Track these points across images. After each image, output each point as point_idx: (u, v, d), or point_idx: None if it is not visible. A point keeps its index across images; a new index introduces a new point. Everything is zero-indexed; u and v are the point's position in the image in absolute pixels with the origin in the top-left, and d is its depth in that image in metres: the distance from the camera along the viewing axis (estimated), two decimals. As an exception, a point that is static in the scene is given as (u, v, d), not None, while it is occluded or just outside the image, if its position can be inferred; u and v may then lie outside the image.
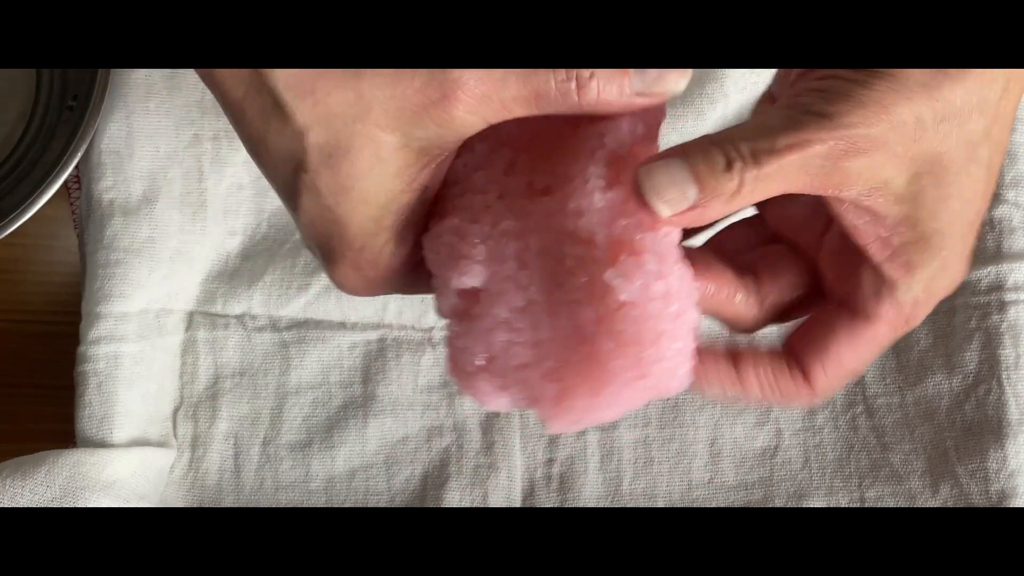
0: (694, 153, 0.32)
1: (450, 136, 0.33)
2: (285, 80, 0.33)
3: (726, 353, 0.37)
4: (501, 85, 0.32)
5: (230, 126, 0.57)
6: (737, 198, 0.32)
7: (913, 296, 0.34)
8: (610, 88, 0.33)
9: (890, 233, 0.34)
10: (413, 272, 0.37)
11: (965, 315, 0.54)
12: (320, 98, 0.33)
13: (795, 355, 0.37)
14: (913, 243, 0.34)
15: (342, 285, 0.37)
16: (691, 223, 0.33)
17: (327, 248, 0.36)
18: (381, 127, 0.33)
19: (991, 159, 0.34)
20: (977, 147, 0.33)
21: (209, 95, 0.57)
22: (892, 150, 0.32)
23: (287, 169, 0.34)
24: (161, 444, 0.55)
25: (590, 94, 0.33)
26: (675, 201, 0.32)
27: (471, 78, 0.32)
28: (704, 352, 0.36)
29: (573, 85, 0.33)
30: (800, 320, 0.38)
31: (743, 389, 0.37)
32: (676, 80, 0.34)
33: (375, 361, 0.57)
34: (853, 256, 0.35)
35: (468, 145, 0.35)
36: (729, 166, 0.32)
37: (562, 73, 0.32)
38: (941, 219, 0.33)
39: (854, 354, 0.36)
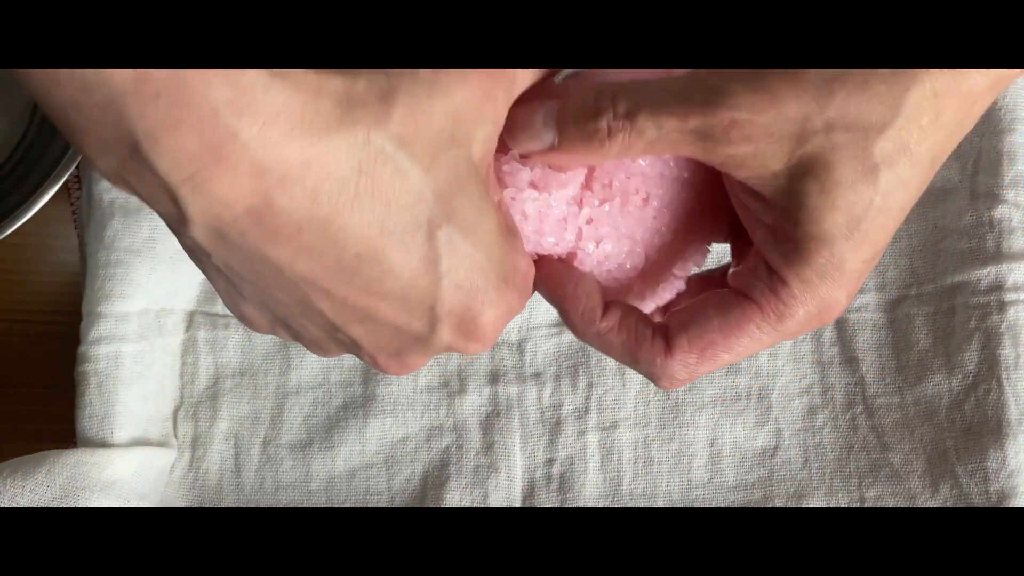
0: (566, 103, 0.34)
1: (495, 130, 0.34)
2: (397, 129, 0.30)
3: (599, 289, 0.37)
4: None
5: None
6: (606, 151, 0.33)
7: (788, 291, 0.34)
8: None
9: (773, 223, 0.34)
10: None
11: (965, 315, 0.54)
12: (424, 134, 0.30)
13: (666, 325, 0.36)
14: (792, 240, 0.33)
15: (491, 335, 0.34)
16: (555, 162, 0.35)
17: (478, 302, 0.33)
18: (464, 143, 0.32)
19: (896, 190, 0.33)
20: (878, 172, 0.32)
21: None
22: (779, 143, 0.32)
23: (418, 239, 0.31)
24: (161, 444, 0.55)
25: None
26: (532, 143, 0.34)
27: (522, 76, 0.33)
28: (578, 273, 0.37)
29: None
30: None
31: (602, 328, 0.37)
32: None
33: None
34: (743, 234, 0.35)
35: None
36: (597, 117, 0.33)
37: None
38: (822, 226, 0.33)
39: (720, 331, 0.35)
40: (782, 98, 0.31)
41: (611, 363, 0.57)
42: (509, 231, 0.35)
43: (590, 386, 0.57)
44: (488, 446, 0.56)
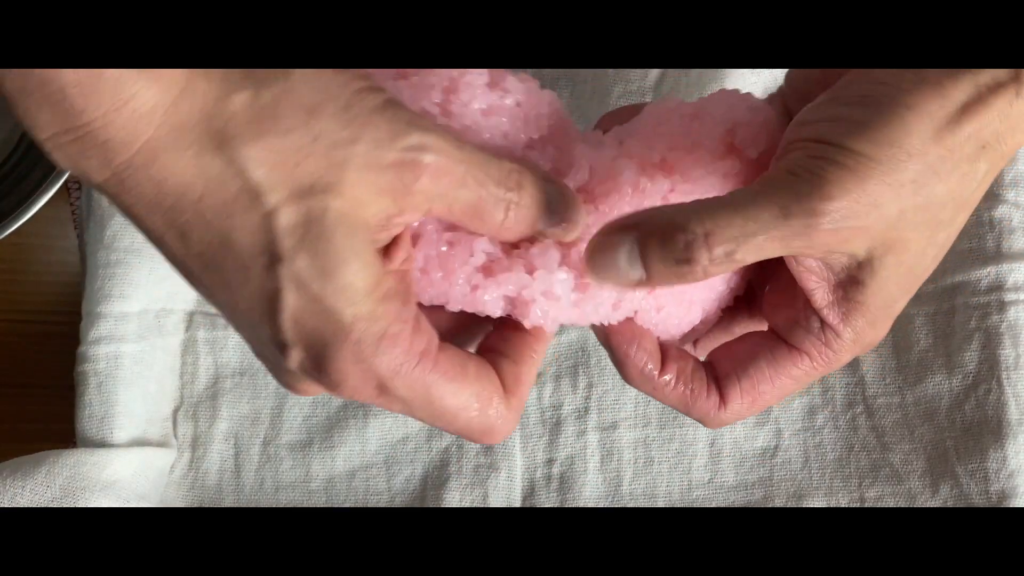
0: (649, 238, 0.33)
1: (404, 218, 0.33)
2: (256, 155, 0.30)
3: (657, 342, 0.38)
4: (457, 184, 0.33)
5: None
6: (699, 278, 0.33)
7: (840, 343, 0.36)
8: (521, 220, 0.34)
9: (837, 286, 0.35)
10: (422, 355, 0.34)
11: (965, 315, 0.54)
12: (290, 171, 0.30)
13: (715, 372, 0.38)
14: (856, 302, 0.35)
15: (344, 384, 0.33)
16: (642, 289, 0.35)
17: (320, 345, 0.32)
18: (352, 200, 0.31)
19: (946, 242, 0.35)
20: (937, 231, 0.34)
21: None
22: (868, 232, 0.32)
23: (258, 266, 0.31)
24: (161, 444, 0.55)
25: (508, 222, 0.34)
26: (618, 281, 0.34)
27: (437, 150, 0.32)
28: (639, 331, 0.37)
29: (506, 203, 0.34)
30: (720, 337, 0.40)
31: (660, 384, 0.37)
32: (568, 231, 0.35)
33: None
34: (794, 291, 0.36)
35: None
36: (693, 263, 0.32)
37: (502, 190, 0.34)
38: (888, 288, 0.34)
39: (772, 382, 0.37)
40: (884, 201, 0.32)
41: (611, 363, 0.57)
42: (400, 301, 0.33)
43: (590, 386, 0.57)
44: (488, 446, 0.56)
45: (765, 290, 0.39)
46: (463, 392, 0.34)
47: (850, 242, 0.33)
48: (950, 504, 0.53)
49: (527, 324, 0.35)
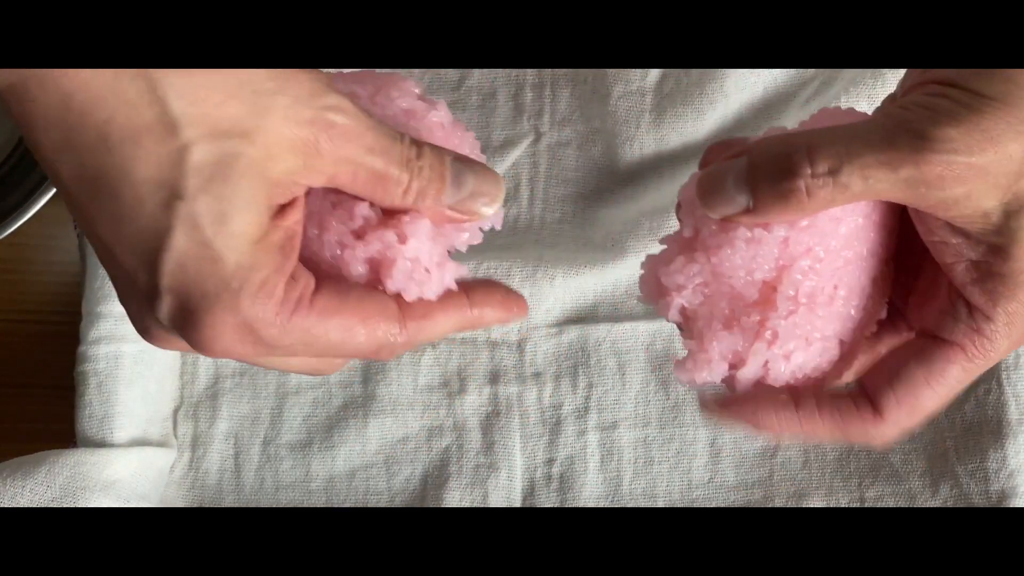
0: (757, 158, 0.32)
1: (309, 177, 0.33)
2: (180, 87, 0.30)
3: (786, 393, 0.36)
4: (360, 152, 0.32)
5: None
6: (807, 208, 0.31)
7: (992, 327, 0.33)
8: (426, 195, 0.34)
9: (980, 258, 0.32)
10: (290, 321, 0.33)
11: (965, 315, 0.54)
12: (211, 109, 0.30)
13: (865, 389, 0.35)
14: (1000, 275, 0.32)
15: (218, 340, 0.32)
16: (753, 224, 0.33)
17: (199, 294, 0.31)
18: (266, 150, 0.31)
19: None
20: None
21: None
22: (995, 181, 0.31)
23: (154, 201, 0.30)
24: (161, 444, 0.55)
25: (409, 197, 0.34)
26: (726, 208, 0.33)
27: (347, 114, 0.32)
28: (763, 394, 0.35)
29: (410, 172, 0.33)
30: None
31: (807, 428, 0.35)
32: (485, 204, 0.35)
33: (375, 361, 0.57)
34: (938, 281, 0.34)
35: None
36: (794, 177, 0.31)
37: (407, 157, 0.33)
38: None
39: (927, 383, 0.34)
40: (1002, 136, 0.30)
41: (611, 363, 0.57)
42: (282, 254, 0.33)
43: (590, 386, 0.57)
44: (488, 446, 0.56)
45: (909, 299, 0.37)
46: (345, 321, 0.33)
47: (972, 185, 0.30)
48: (950, 504, 0.53)
49: (389, 287, 0.35)
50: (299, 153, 0.31)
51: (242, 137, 0.30)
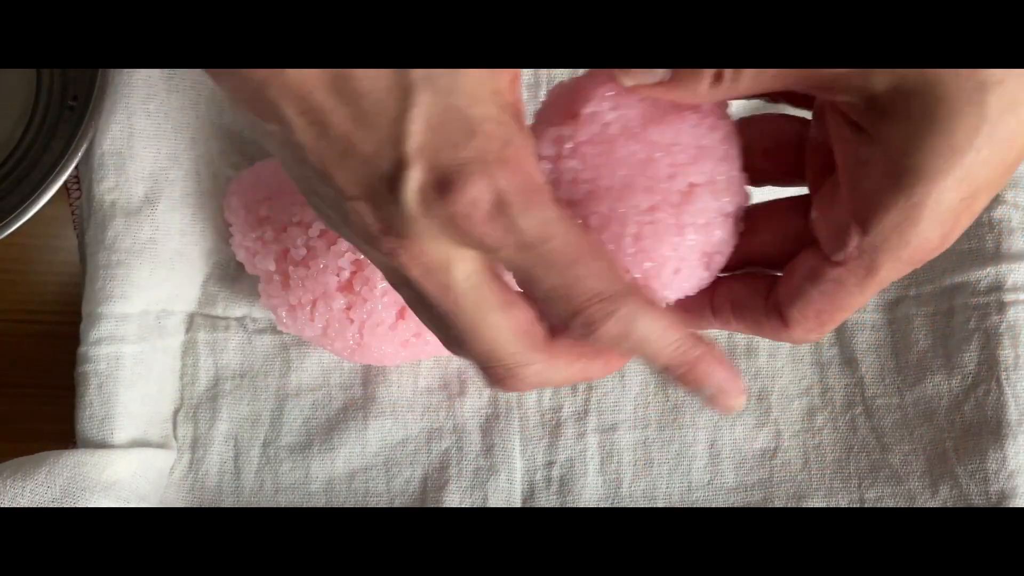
0: None
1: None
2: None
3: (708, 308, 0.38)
4: None
5: (227, 130, 0.58)
6: (711, 94, 0.33)
7: (876, 240, 0.32)
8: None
9: (870, 157, 0.32)
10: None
11: (964, 316, 0.55)
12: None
13: (778, 302, 0.37)
14: (884, 177, 0.31)
15: (462, 191, 0.30)
16: (662, 97, 0.34)
17: (451, 156, 0.30)
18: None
19: (1012, 125, 0.30)
20: (986, 92, 0.29)
21: (205, 95, 0.57)
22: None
23: (405, 74, 0.30)
24: (161, 445, 0.55)
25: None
26: (642, 76, 0.34)
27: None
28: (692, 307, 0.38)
29: None
30: None
31: (716, 316, 0.37)
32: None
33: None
34: (836, 201, 0.34)
35: None
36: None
37: None
38: (922, 155, 0.30)
39: (824, 301, 0.35)
40: None
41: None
42: (520, 126, 0.32)
43: (590, 388, 0.57)
44: (488, 448, 0.56)
45: (815, 223, 0.37)
46: (585, 244, 0.33)
47: (864, 72, 0.30)
48: (950, 504, 0.53)
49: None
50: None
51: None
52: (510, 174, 0.31)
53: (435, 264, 0.32)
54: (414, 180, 0.30)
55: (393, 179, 0.30)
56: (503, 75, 0.32)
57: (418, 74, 0.30)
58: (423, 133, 0.30)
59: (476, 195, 0.30)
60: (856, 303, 0.35)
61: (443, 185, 0.30)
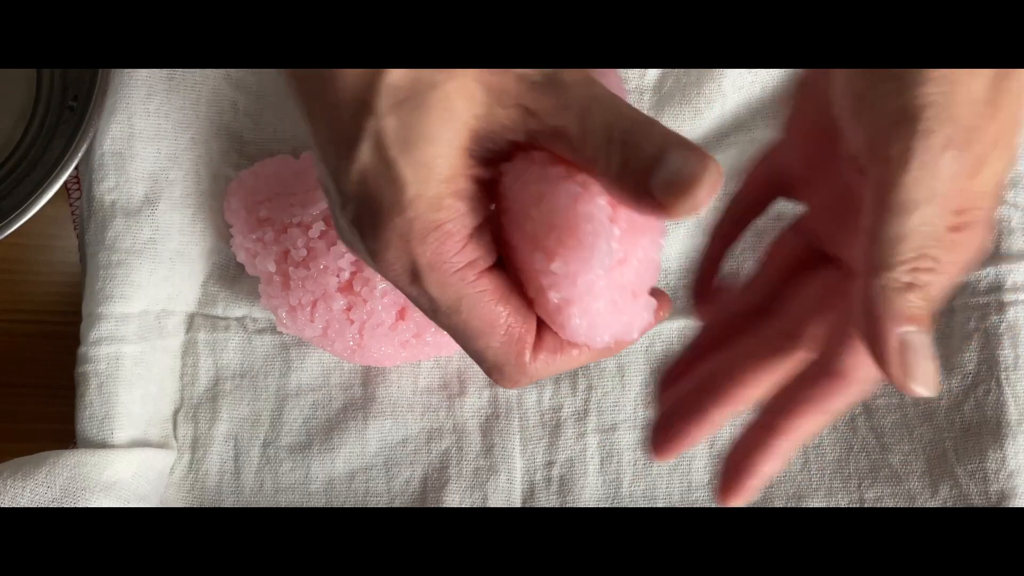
0: None
1: (515, 129, 0.32)
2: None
3: None
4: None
5: (227, 130, 0.58)
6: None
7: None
8: (630, 176, 0.31)
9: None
10: (459, 274, 0.33)
11: (964, 316, 0.55)
12: None
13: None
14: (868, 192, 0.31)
15: (380, 255, 0.32)
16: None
17: (374, 208, 0.32)
18: (462, 92, 0.31)
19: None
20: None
21: (205, 96, 0.57)
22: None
23: (350, 110, 0.31)
24: (161, 445, 0.55)
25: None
26: None
27: (574, 83, 0.31)
28: None
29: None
30: None
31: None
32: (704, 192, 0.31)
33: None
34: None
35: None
36: None
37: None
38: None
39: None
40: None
41: (611, 365, 0.57)
42: (467, 205, 0.33)
43: (590, 388, 0.57)
44: (488, 448, 0.56)
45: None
46: (493, 320, 0.33)
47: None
48: (950, 504, 0.53)
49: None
50: (500, 102, 0.31)
51: (443, 70, 0.30)
52: (429, 247, 0.32)
53: (397, 279, 0.34)
54: (350, 212, 0.33)
55: (341, 200, 0.33)
56: (455, 157, 0.32)
57: (368, 128, 0.31)
58: (356, 183, 0.32)
59: (392, 260, 0.33)
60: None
61: (364, 227, 0.32)
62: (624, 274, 0.33)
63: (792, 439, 0.34)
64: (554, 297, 0.33)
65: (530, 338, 0.35)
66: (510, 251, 0.34)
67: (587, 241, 0.32)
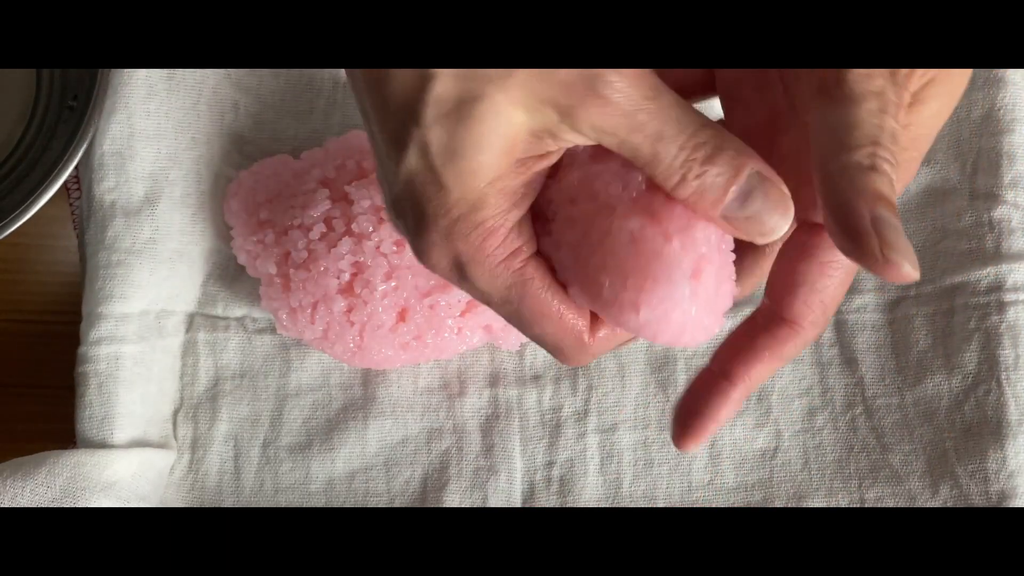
0: None
1: (567, 137, 0.32)
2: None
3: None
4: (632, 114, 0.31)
5: (228, 130, 0.58)
6: None
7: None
8: (709, 193, 0.32)
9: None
10: (498, 268, 0.34)
11: (964, 316, 0.55)
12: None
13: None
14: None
15: (426, 254, 0.34)
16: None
17: (419, 211, 0.33)
18: (513, 99, 0.31)
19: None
20: None
21: (205, 95, 0.57)
22: None
23: (398, 118, 0.32)
24: (161, 445, 0.55)
25: (688, 189, 0.32)
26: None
27: (620, 88, 0.31)
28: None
29: (685, 171, 0.32)
30: None
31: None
32: (776, 220, 0.32)
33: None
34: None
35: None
36: None
37: (686, 153, 0.32)
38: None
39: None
40: None
41: (611, 365, 0.57)
42: (510, 201, 0.33)
43: (590, 388, 0.57)
44: (488, 448, 0.56)
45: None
46: (544, 307, 0.34)
47: None
48: (950, 504, 0.53)
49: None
50: (550, 108, 0.31)
51: (491, 81, 0.31)
52: (471, 244, 0.33)
53: (446, 276, 0.35)
54: (399, 214, 0.34)
55: (392, 202, 0.34)
56: (500, 160, 0.32)
57: (414, 137, 0.32)
58: (403, 186, 0.33)
59: (437, 259, 0.34)
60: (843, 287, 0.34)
61: (411, 227, 0.34)
62: (704, 282, 0.34)
63: (746, 385, 0.35)
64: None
65: (584, 320, 0.36)
66: (559, 250, 0.35)
67: (662, 278, 0.33)
